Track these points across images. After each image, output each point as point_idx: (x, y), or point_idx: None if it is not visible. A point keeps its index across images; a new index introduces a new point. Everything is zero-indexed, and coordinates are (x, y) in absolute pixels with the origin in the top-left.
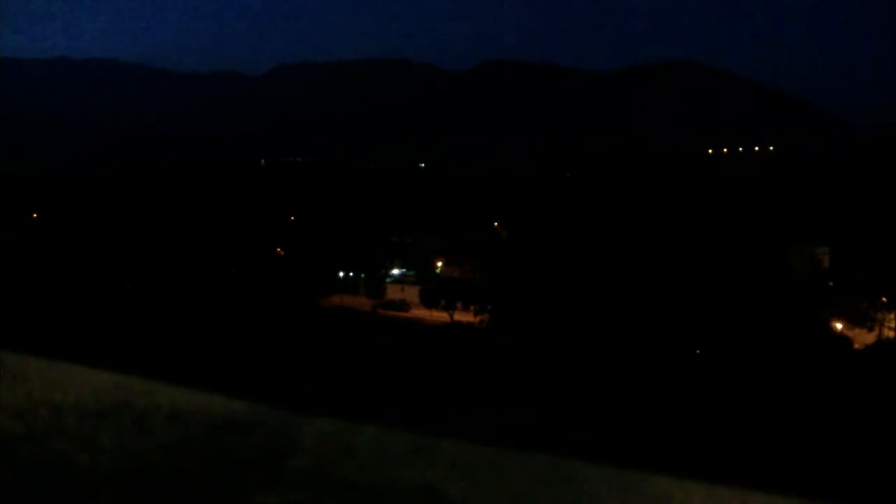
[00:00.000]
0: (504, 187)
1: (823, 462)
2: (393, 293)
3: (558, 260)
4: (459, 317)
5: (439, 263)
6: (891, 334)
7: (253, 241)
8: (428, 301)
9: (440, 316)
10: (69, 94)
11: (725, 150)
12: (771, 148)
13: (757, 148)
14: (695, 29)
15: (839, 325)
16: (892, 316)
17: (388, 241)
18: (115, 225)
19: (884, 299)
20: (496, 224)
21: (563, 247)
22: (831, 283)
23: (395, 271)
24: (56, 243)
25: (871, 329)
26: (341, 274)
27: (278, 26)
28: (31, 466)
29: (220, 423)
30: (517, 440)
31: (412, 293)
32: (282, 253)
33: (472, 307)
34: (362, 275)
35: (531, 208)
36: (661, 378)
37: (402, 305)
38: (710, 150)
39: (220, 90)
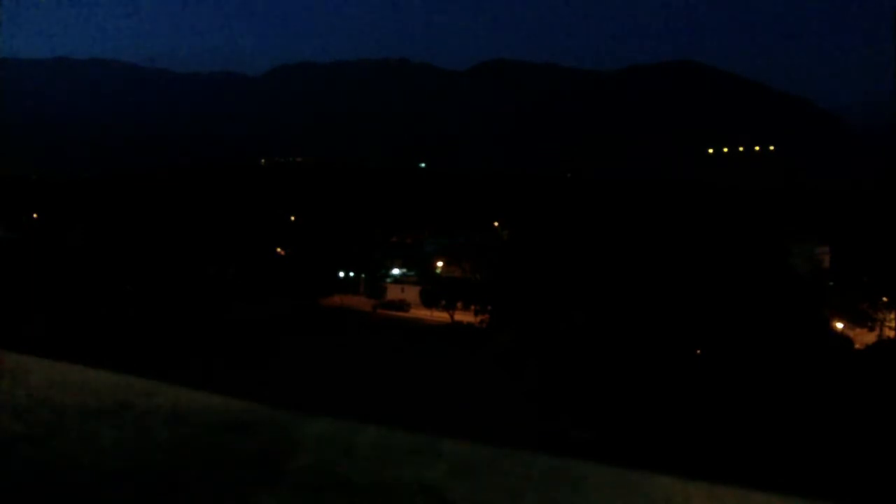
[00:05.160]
0: (504, 187)
1: (823, 462)
2: (393, 293)
3: (559, 260)
4: (459, 317)
5: (439, 263)
6: (891, 334)
7: (253, 241)
8: (428, 301)
9: (440, 316)
10: (69, 94)
11: (725, 150)
12: (771, 148)
13: (757, 148)
14: (695, 29)
15: (839, 325)
16: (892, 316)
17: (389, 242)
18: (115, 225)
19: (884, 299)
20: (496, 224)
21: (564, 246)
22: (831, 283)
23: (396, 271)
24: (56, 243)
25: (871, 329)
26: (341, 274)
27: (278, 26)
28: (31, 466)
29: (220, 423)
30: (517, 440)
31: (412, 293)
32: (282, 253)
33: (472, 307)
34: (362, 275)
35: (532, 209)
36: (661, 378)
37: (403, 305)
38: (711, 150)
39: (220, 90)
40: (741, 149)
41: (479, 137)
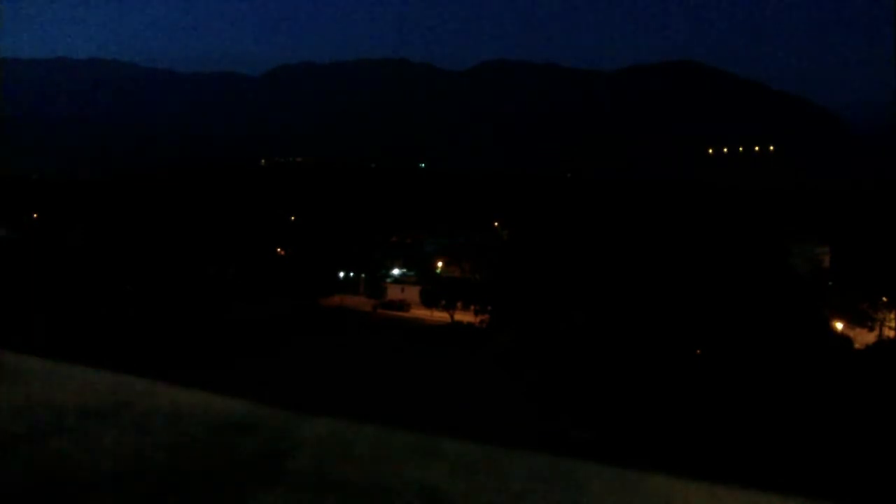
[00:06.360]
0: (504, 187)
1: (823, 462)
2: (393, 293)
3: (559, 260)
4: (459, 317)
5: (439, 263)
6: (891, 334)
7: (253, 241)
8: (428, 301)
9: (440, 316)
10: (69, 94)
11: (725, 150)
12: (771, 148)
13: (757, 148)
14: (695, 29)
15: (839, 325)
16: (892, 316)
17: (389, 242)
18: (115, 225)
19: (884, 299)
20: (496, 224)
21: (564, 247)
22: (831, 283)
23: (396, 271)
24: (56, 243)
25: (871, 329)
26: (341, 274)
27: (278, 26)
28: (31, 466)
29: (220, 423)
30: (517, 440)
31: (412, 293)
32: (282, 253)
33: (472, 307)
34: (362, 275)
35: (532, 209)
36: (661, 378)
37: (403, 305)
38: (711, 150)
39: (220, 90)
40: (741, 149)
41: (479, 137)
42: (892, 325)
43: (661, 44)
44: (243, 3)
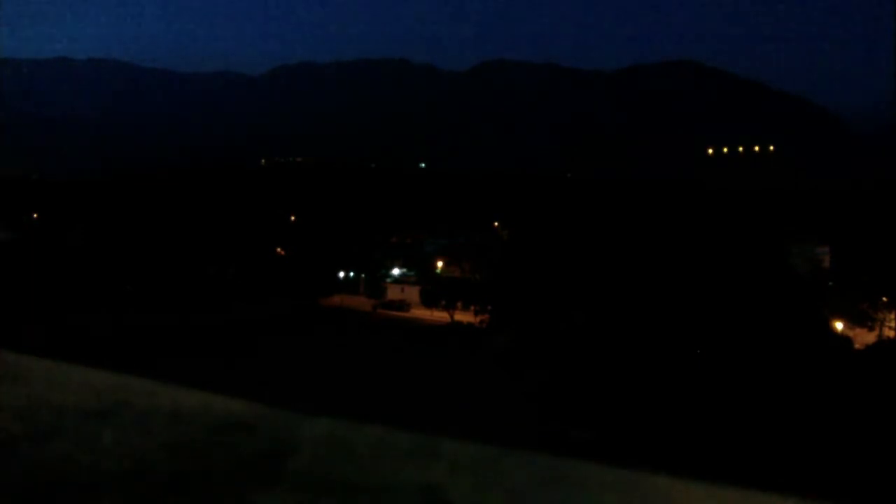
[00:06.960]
0: (504, 187)
1: (823, 462)
2: (393, 293)
3: (559, 260)
4: (459, 317)
5: (439, 263)
6: (891, 334)
7: (253, 241)
8: (428, 301)
9: (440, 316)
10: (69, 94)
11: (725, 150)
12: (771, 148)
13: (757, 148)
14: (695, 29)
15: (839, 325)
16: (892, 316)
17: (389, 242)
18: (115, 225)
19: (884, 299)
20: (496, 224)
21: (563, 247)
22: (831, 283)
23: (396, 271)
24: (56, 243)
25: (871, 329)
26: (341, 274)
27: (278, 26)
28: (31, 466)
29: (220, 423)
30: (517, 440)
31: (412, 293)
32: (282, 253)
33: (472, 307)
34: (362, 275)
35: (532, 209)
36: (661, 378)
37: (403, 305)
38: (711, 150)
39: (220, 90)
40: (741, 149)
41: (479, 137)
42: (892, 325)
43: (661, 44)
44: (243, 3)
